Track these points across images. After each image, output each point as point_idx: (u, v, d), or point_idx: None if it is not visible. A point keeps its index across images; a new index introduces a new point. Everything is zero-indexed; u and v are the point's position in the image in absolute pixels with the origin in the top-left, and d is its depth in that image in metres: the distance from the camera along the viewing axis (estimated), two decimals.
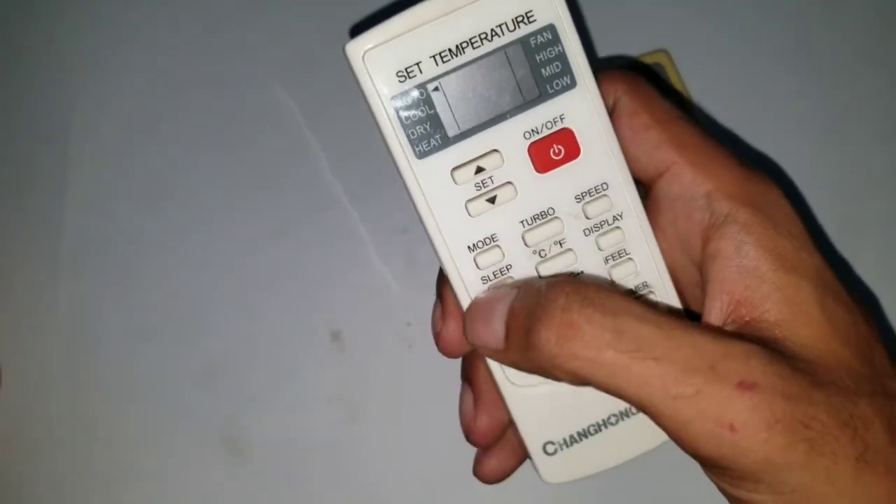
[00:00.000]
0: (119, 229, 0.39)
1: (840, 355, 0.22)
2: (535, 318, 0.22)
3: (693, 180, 0.24)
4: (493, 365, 0.26)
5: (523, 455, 0.28)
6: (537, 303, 0.23)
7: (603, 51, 0.39)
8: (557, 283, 0.23)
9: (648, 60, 0.38)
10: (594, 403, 0.25)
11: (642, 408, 0.22)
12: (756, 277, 0.23)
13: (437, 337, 0.28)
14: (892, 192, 0.38)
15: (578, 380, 0.22)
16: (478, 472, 0.30)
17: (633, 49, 0.39)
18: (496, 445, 0.29)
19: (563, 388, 0.25)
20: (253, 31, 0.41)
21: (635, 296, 0.26)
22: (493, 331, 0.24)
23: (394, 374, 0.38)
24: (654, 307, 0.23)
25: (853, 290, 0.24)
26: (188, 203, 0.39)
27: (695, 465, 0.23)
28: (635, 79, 0.26)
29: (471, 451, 0.37)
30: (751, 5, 0.40)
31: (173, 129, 0.40)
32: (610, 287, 0.25)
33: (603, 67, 0.26)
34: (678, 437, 0.22)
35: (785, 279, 0.23)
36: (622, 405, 0.26)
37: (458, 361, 0.37)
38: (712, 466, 0.22)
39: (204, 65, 0.40)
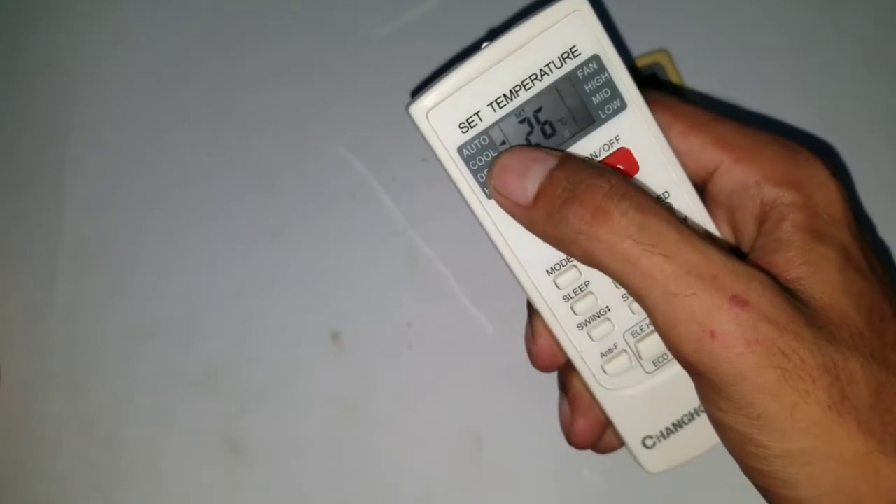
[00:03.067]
0: (119, 229, 0.39)
1: (847, 315, 0.23)
2: (575, 194, 0.24)
3: (743, 173, 0.26)
4: (586, 373, 0.28)
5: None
6: (581, 180, 0.24)
7: None
8: (605, 171, 0.24)
9: (648, 60, 0.38)
10: (686, 394, 0.26)
11: (640, 299, 0.23)
12: (786, 246, 0.24)
13: (530, 354, 0.30)
14: (894, 193, 0.38)
15: (590, 260, 0.24)
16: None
17: (633, 49, 0.38)
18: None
19: (655, 385, 0.27)
20: (252, 30, 0.40)
21: None
22: (523, 187, 0.25)
23: (394, 374, 0.38)
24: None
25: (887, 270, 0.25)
26: (187, 203, 0.39)
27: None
28: (654, 94, 0.27)
29: (470, 452, 0.37)
30: (751, 5, 0.40)
31: (173, 129, 0.40)
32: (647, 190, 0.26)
33: None
34: (664, 334, 0.23)
35: (812, 247, 0.24)
36: None
37: (456, 364, 0.37)
38: (692, 372, 0.23)
39: (204, 64, 0.40)
